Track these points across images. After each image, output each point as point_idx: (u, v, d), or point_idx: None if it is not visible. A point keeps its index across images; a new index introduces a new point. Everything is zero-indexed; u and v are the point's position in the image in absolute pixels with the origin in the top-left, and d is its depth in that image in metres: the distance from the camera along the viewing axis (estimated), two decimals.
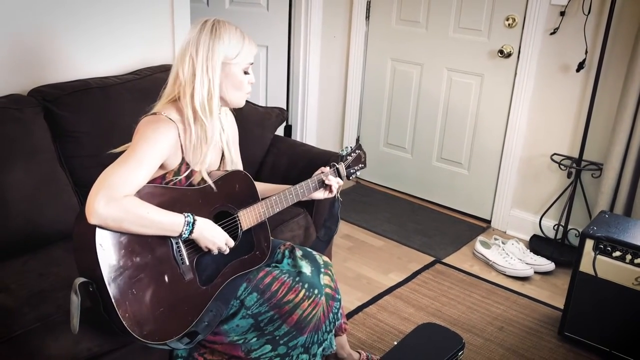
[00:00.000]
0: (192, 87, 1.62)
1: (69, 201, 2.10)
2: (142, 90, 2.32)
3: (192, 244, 1.63)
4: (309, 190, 1.89)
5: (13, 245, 1.95)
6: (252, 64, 1.71)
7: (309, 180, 1.89)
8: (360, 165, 2.07)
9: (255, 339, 1.76)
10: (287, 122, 4.00)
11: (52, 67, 2.37)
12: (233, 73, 1.67)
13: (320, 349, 1.87)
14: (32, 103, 2.13)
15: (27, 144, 2.04)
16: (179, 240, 1.59)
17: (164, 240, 1.57)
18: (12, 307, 1.66)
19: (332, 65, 3.89)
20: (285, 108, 3.84)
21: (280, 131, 3.84)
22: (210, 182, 1.69)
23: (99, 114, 2.23)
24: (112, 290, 1.45)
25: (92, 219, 1.42)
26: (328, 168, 1.94)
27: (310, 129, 4.00)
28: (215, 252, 1.66)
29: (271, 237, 1.88)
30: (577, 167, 3.01)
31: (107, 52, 2.54)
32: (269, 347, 1.77)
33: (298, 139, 3.94)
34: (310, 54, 3.79)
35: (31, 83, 2.26)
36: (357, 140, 3.97)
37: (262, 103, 3.92)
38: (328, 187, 1.92)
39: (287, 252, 1.90)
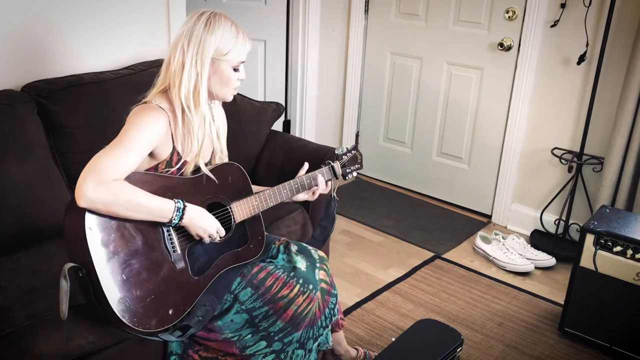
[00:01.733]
0: (180, 79, 1.62)
1: (63, 197, 2.08)
2: (137, 85, 2.27)
3: (183, 232, 1.63)
4: (303, 186, 1.88)
5: (5, 242, 1.93)
6: (243, 62, 1.70)
7: (303, 176, 1.89)
8: (356, 166, 2.07)
9: (250, 336, 1.75)
10: (285, 117, 3.98)
11: (46, 62, 2.35)
12: (222, 69, 1.67)
13: (316, 344, 1.86)
14: (26, 99, 2.12)
15: (20, 140, 2.02)
16: (170, 228, 1.59)
17: (155, 226, 1.57)
18: (2, 306, 1.65)
19: (331, 60, 3.86)
20: (283, 103, 3.81)
21: (279, 126, 3.83)
22: (208, 173, 1.69)
23: (93, 110, 2.21)
24: (101, 274, 1.45)
25: (81, 202, 1.43)
26: (324, 167, 1.94)
27: (309, 124, 3.97)
28: (207, 240, 1.65)
29: (266, 232, 1.87)
30: (578, 162, 2.98)
31: (101, 47, 2.52)
32: (264, 343, 1.75)
33: (297, 134, 3.92)
34: (309, 48, 3.76)
35: (25, 78, 2.24)
36: (357, 135, 3.95)
37: (260, 98, 3.89)
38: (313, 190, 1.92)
39: (282, 248, 1.89)
